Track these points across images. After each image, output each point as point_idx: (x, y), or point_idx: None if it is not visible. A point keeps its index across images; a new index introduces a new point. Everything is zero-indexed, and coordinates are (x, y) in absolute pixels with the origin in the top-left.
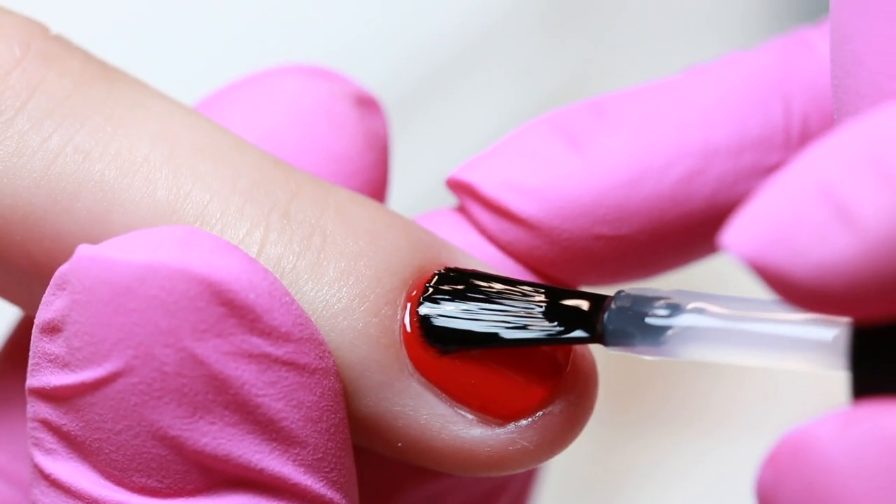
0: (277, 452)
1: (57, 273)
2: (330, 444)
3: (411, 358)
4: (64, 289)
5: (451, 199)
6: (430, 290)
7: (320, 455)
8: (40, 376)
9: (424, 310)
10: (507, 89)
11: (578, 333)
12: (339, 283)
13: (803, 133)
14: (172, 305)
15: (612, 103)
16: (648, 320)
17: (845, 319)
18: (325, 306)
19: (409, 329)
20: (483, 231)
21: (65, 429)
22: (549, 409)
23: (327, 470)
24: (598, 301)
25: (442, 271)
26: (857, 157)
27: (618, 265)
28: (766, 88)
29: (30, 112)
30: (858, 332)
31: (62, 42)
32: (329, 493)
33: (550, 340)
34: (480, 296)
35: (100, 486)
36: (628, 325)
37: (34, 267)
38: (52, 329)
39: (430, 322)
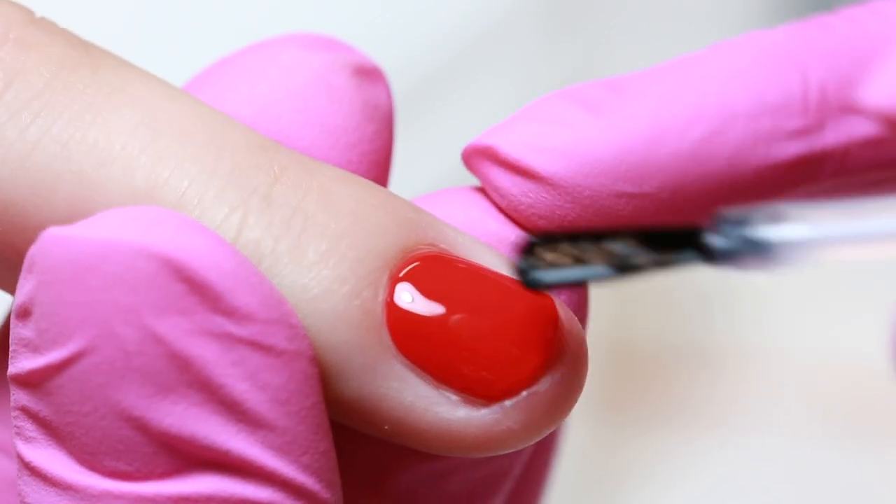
0: (244, 434)
1: (26, 256)
2: (300, 427)
3: (394, 340)
4: (31, 271)
5: None
6: (528, 245)
7: (290, 438)
8: (17, 362)
9: (524, 264)
10: (507, 89)
11: (688, 255)
12: (318, 266)
13: (821, 101)
14: (132, 282)
15: (628, 79)
16: (756, 231)
17: None
18: (304, 289)
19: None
20: (502, 197)
21: (41, 415)
22: (535, 388)
23: (298, 453)
24: (695, 227)
25: (536, 234)
26: None
27: None
28: (782, 60)
29: (7, 103)
30: None
31: (45, 26)
32: (300, 476)
33: (662, 263)
34: (578, 241)
35: (74, 472)
36: (737, 244)
37: (19, 257)
38: (24, 313)
39: (533, 276)
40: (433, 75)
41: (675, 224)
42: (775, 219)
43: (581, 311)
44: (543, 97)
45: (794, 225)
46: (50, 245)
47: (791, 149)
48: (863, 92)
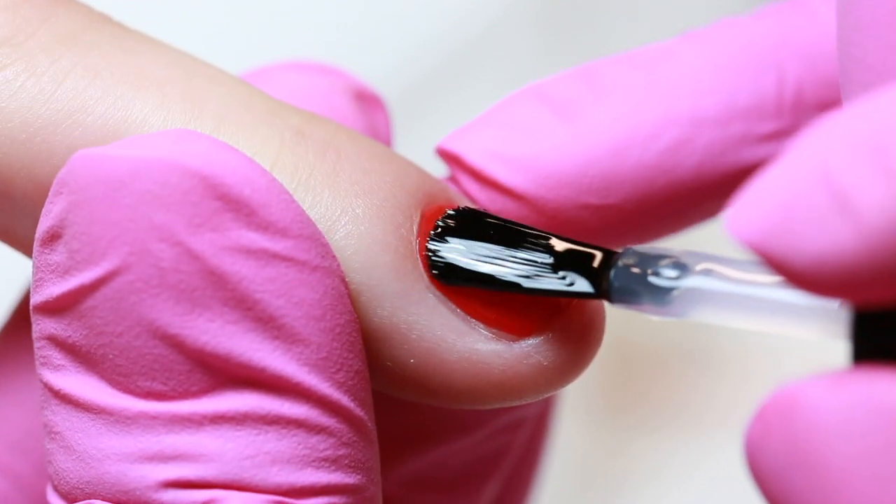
0: (280, 351)
1: (56, 179)
2: (335, 343)
3: (428, 272)
4: (61, 192)
5: None
6: (441, 226)
7: (324, 354)
8: (43, 290)
9: (432, 245)
10: (502, 92)
11: (584, 288)
12: (355, 191)
13: (796, 101)
14: (166, 199)
15: (603, 69)
16: (653, 280)
17: None
18: (342, 212)
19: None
20: (473, 200)
21: (70, 340)
22: (563, 327)
23: (333, 370)
24: (606, 255)
25: (456, 209)
26: (859, 144)
27: (606, 235)
28: (758, 57)
29: (40, 39)
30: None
31: None
32: (335, 394)
33: (556, 293)
34: (491, 237)
35: (108, 395)
36: (634, 283)
37: (41, 192)
38: (52, 237)
39: (437, 256)
40: (426, 78)
41: (582, 246)
42: (678, 267)
43: None
44: (514, 93)
45: (694, 277)
46: (81, 164)
47: (762, 152)
48: (727, 218)
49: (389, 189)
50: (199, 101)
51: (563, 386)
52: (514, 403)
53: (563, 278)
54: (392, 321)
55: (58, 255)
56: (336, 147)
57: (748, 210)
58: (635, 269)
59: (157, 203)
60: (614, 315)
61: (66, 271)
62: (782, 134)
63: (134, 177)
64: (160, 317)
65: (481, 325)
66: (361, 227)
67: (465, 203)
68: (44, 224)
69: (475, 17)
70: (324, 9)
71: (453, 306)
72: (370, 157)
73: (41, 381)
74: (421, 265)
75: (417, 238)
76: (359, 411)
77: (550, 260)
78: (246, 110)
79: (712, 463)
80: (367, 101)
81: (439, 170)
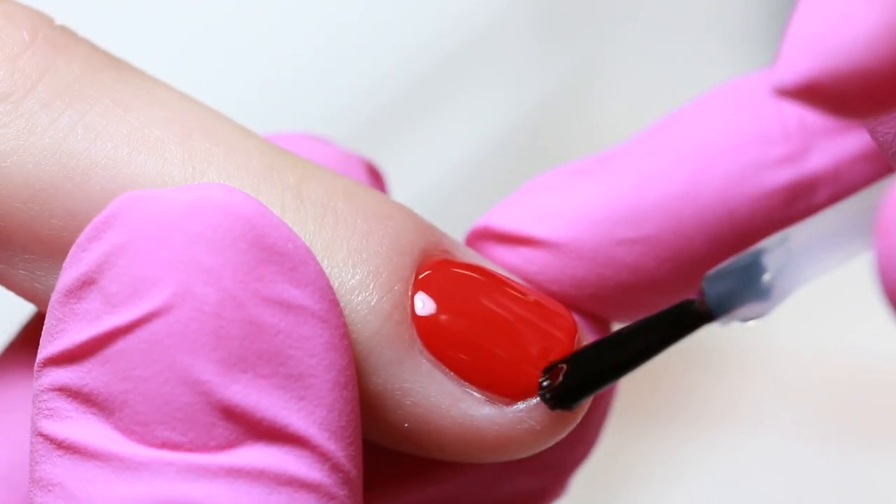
0: (305, 412)
1: (93, 223)
2: (353, 414)
3: (421, 336)
4: (101, 237)
5: (439, 206)
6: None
7: (344, 423)
8: (62, 339)
9: (549, 396)
10: (501, 92)
11: (689, 322)
12: (352, 260)
13: (801, 126)
14: (218, 243)
15: (613, 149)
16: (745, 269)
17: None
18: (340, 283)
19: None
20: (510, 272)
21: (86, 389)
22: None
23: (348, 441)
24: (686, 301)
25: (565, 358)
26: None
27: (645, 272)
28: (756, 97)
29: (39, 94)
30: None
31: (68, 31)
32: (348, 464)
33: (671, 339)
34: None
35: (119, 443)
36: (731, 284)
37: (42, 247)
38: (84, 284)
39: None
40: (426, 78)
41: (668, 308)
42: (755, 254)
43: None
44: (531, 180)
45: (779, 249)
46: (132, 204)
47: (781, 175)
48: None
49: (385, 254)
50: (199, 167)
51: (554, 441)
52: (505, 459)
53: (667, 332)
54: (386, 388)
55: (88, 303)
56: (333, 209)
57: (790, 55)
58: (723, 278)
59: (209, 246)
60: None
61: (97, 316)
62: (795, 156)
63: (188, 218)
64: (194, 363)
65: (474, 389)
66: (358, 297)
67: (466, 257)
68: (73, 273)
69: (475, 17)
70: (322, 9)
71: (447, 370)
72: (366, 217)
73: (40, 434)
74: (414, 329)
75: (411, 299)
76: (360, 489)
77: (645, 323)
78: (245, 171)
79: (712, 461)
80: (376, 177)
81: (433, 173)
